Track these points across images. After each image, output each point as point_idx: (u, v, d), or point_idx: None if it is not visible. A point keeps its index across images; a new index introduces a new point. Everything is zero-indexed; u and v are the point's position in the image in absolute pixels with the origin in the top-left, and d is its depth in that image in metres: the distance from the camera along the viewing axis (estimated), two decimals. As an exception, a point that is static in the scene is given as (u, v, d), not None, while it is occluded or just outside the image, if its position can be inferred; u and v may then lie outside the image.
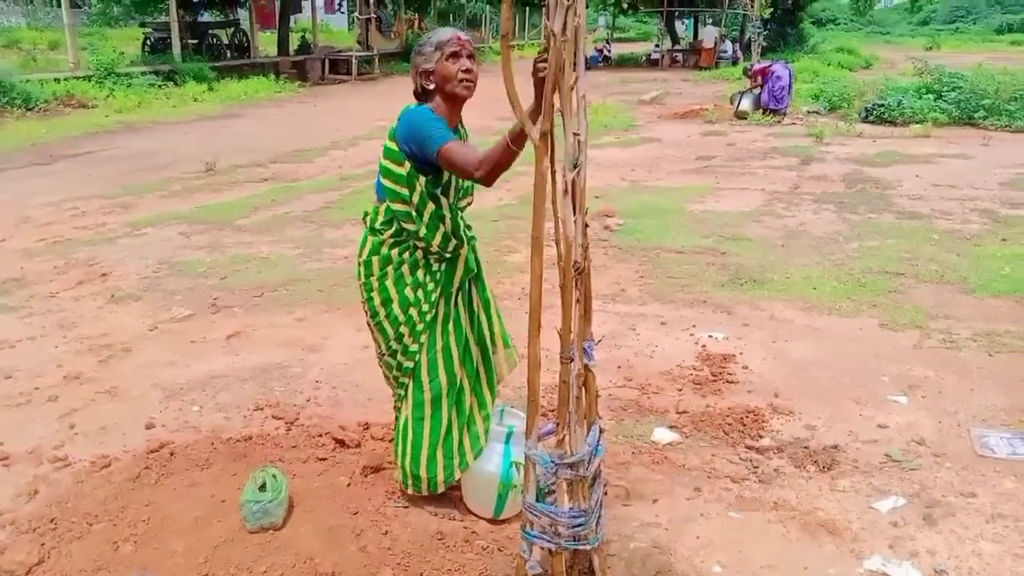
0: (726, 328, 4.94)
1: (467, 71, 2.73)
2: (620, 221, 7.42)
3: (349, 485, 3.21)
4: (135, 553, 2.86)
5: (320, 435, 3.71)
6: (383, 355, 3.05)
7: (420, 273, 2.91)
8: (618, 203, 8.11)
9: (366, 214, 2.97)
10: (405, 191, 2.79)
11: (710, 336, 4.81)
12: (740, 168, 10.07)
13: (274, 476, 2.96)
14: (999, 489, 3.25)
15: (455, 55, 2.73)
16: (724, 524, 3.06)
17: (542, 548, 2.45)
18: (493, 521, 3.06)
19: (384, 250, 2.90)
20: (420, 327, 2.91)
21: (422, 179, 2.79)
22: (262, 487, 2.89)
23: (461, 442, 3.02)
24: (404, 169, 2.78)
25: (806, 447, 3.60)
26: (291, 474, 3.26)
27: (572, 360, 2.30)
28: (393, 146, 2.80)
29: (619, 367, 4.43)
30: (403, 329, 2.93)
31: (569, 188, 2.19)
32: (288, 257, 6.69)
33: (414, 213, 2.82)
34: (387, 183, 2.83)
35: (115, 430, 3.90)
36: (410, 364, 2.94)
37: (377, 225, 2.90)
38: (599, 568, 2.52)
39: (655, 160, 10.75)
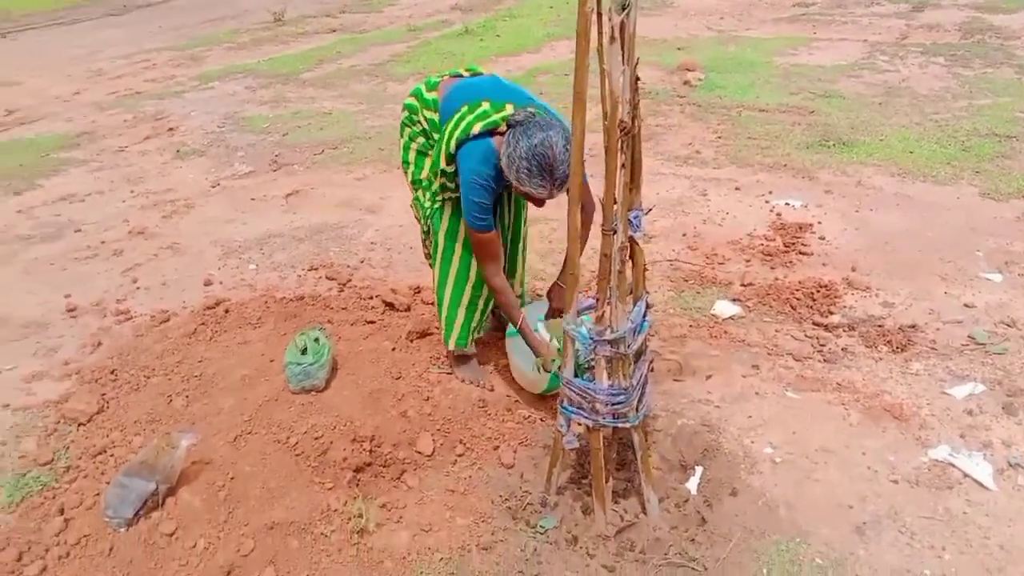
0: (806, 195, 4.57)
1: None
2: (701, 75, 6.86)
3: (394, 350, 3.18)
4: (186, 408, 2.94)
5: (371, 297, 3.67)
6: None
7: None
8: (701, 55, 7.49)
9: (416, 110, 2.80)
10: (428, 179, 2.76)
11: (787, 203, 4.46)
12: (841, 16, 9.11)
13: (316, 340, 2.93)
14: (1095, 379, 2.96)
15: (535, 200, 2.51)
16: (780, 404, 2.90)
17: (579, 423, 2.37)
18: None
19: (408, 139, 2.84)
20: (437, 191, 2.81)
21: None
22: (304, 351, 2.87)
23: (481, 318, 3.02)
24: (449, 167, 2.64)
25: (880, 326, 3.34)
26: (337, 337, 3.25)
27: (615, 232, 2.10)
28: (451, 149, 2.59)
29: (684, 235, 4.18)
30: (424, 190, 2.85)
31: (616, 34, 1.91)
32: (350, 113, 6.52)
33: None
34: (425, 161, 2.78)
35: (175, 286, 3.97)
36: (426, 226, 2.88)
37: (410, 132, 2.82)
38: (639, 445, 2.42)
39: (747, 7, 9.85)
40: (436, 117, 2.69)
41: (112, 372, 3.23)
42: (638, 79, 2.01)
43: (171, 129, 6.38)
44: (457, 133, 2.53)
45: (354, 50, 8.73)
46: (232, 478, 2.53)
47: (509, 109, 2.52)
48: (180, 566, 2.30)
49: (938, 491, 2.47)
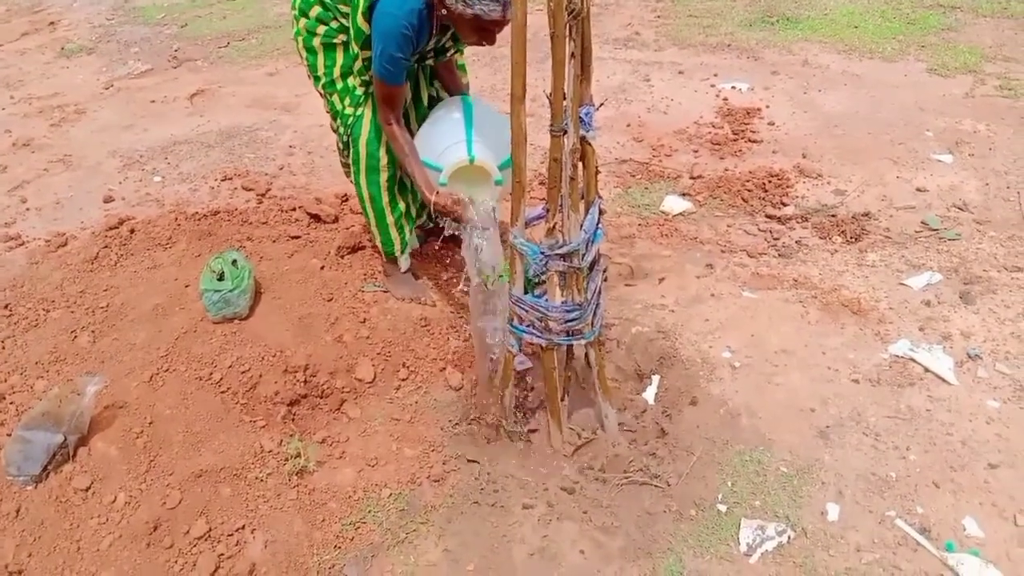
0: (752, 77, 4.34)
1: (480, 44, 2.24)
2: (636, -52, 6.44)
3: (323, 268, 2.90)
4: (92, 344, 2.63)
5: (293, 209, 3.35)
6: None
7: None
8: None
9: None
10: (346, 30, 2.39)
11: (733, 87, 4.24)
12: None
13: (234, 262, 2.63)
14: (1047, 261, 2.92)
15: (487, 30, 2.16)
16: (737, 304, 2.78)
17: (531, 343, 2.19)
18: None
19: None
20: (359, 92, 2.50)
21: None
22: (220, 276, 2.57)
23: (409, 212, 2.74)
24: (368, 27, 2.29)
25: (833, 215, 3.22)
26: (259, 256, 2.95)
27: (565, 132, 1.85)
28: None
29: (629, 125, 3.93)
30: (339, 95, 2.52)
31: None
32: (256, -1, 5.91)
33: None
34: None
35: (71, 204, 3.56)
36: (345, 136, 2.57)
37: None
38: (595, 362, 2.27)
39: None
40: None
41: (6, 307, 2.88)
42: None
43: (52, 23, 5.67)
44: None
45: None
46: (151, 422, 2.27)
47: None
48: (99, 524, 2.07)
49: (900, 388, 2.40)
